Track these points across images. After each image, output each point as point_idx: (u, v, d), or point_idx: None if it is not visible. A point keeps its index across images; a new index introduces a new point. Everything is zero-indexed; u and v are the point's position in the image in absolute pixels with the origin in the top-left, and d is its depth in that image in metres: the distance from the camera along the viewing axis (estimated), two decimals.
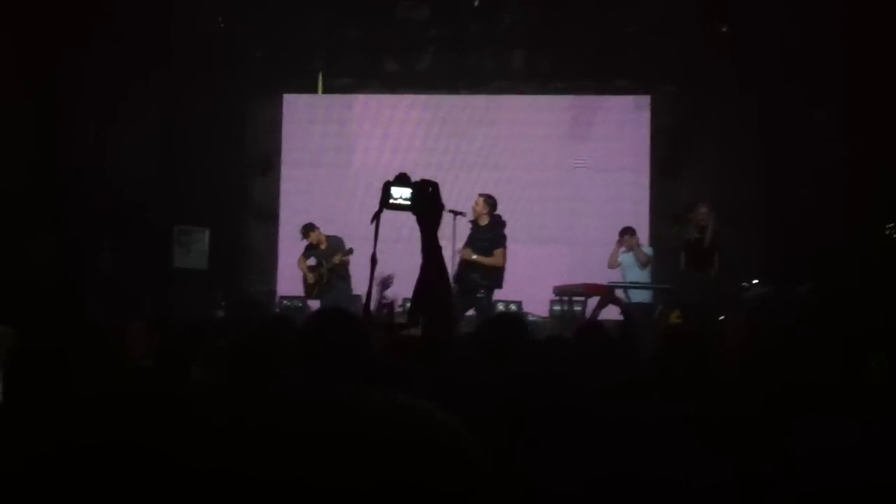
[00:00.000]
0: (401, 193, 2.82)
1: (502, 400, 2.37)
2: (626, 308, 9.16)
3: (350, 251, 9.99)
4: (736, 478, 2.23)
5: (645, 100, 11.53)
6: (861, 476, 2.21)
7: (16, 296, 6.30)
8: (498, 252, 8.60)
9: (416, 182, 2.84)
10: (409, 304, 2.92)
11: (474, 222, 8.72)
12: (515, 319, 3.88)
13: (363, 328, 2.33)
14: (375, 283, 4.12)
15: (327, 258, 10.11)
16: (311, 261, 10.30)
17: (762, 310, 8.02)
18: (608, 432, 2.32)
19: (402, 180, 2.84)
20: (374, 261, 2.99)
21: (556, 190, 11.62)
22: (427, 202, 2.78)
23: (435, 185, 2.81)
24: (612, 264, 9.76)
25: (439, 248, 2.74)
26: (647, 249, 9.82)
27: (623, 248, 9.69)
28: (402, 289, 6.31)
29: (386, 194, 2.83)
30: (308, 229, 10.26)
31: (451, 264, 8.72)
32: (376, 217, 2.90)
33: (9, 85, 8.67)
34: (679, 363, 2.98)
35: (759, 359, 2.93)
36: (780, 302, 8.20)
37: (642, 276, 9.61)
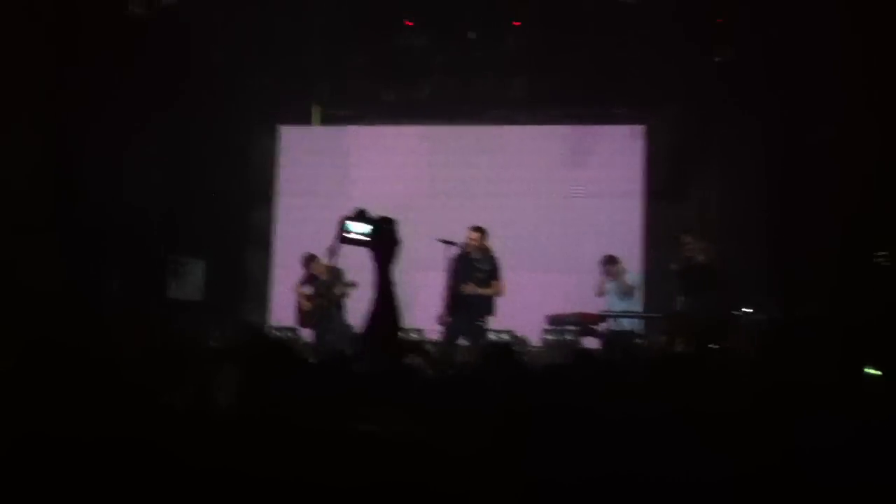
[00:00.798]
0: (357, 229, 2.83)
1: (504, 400, 2.39)
2: (609, 337, 9.16)
3: (354, 284, 9.93)
4: (735, 477, 2.24)
5: (639, 129, 11.60)
6: (861, 476, 2.22)
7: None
8: (497, 284, 8.80)
9: (374, 218, 2.85)
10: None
11: (467, 255, 8.76)
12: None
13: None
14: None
15: (327, 288, 10.12)
16: (306, 288, 10.29)
17: (762, 338, 8.05)
18: (608, 432, 2.33)
19: (359, 216, 2.85)
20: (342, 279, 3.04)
21: (552, 217, 11.66)
22: (383, 238, 2.79)
23: (391, 222, 2.82)
24: (600, 293, 9.81)
25: (392, 284, 2.76)
26: (631, 278, 9.82)
27: (608, 278, 9.75)
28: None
29: (342, 229, 2.83)
30: (310, 259, 10.27)
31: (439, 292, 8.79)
32: (332, 252, 2.94)
33: (14, 109, 8.75)
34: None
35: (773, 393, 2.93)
36: (778, 330, 8.22)
37: (624, 305, 9.62)
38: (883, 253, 8.30)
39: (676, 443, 2.35)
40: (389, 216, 2.87)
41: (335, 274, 10.12)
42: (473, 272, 8.72)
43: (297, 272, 10.51)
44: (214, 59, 10.76)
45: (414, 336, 9.37)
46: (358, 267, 9.75)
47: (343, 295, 10.03)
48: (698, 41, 10.09)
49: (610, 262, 9.79)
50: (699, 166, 10.87)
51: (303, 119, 12.11)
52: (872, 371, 4.54)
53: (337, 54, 11.17)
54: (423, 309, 8.89)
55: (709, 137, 10.68)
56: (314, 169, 12.18)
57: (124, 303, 9.76)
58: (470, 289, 8.65)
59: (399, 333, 2.82)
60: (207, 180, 11.08)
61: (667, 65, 10.36)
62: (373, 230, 2.83)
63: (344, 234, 2.85)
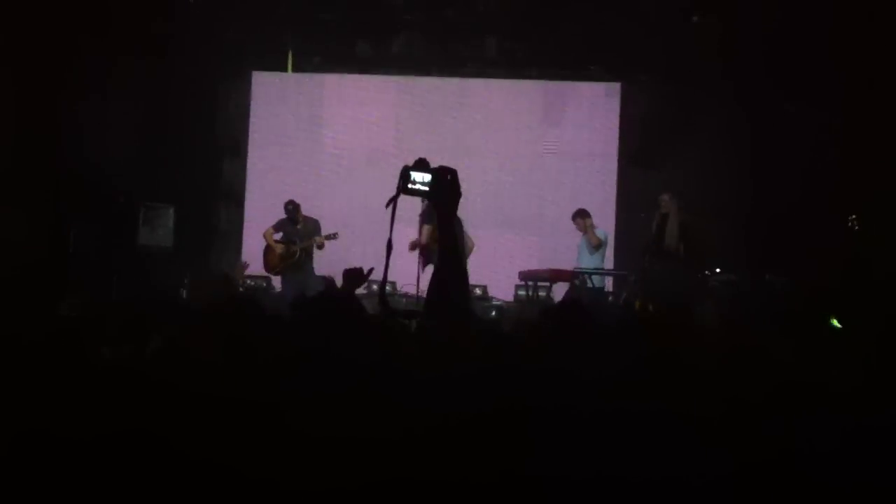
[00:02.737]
0: (420, 178, 2.75)
1: (501, 398, 2.37)
2: (578, 293, 9.19)
3: (335, 236, 9.92)
4: (733, 476, 2.24)
5: (615, 87, 11.57)
6: (860, 475, 2.23)
7: None
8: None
9: (436, 168, 2.77)
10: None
11: None
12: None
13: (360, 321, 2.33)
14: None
15: (302, 238, 10.07)
16: (278, 236, 10.24)
17: (732, 301, 8.10)
18: (605, 430, 2.32)
19: (421, 165, 2.77)
20: (389, 246, 2.94)
21: (526, 175, 11.64)
22: (446, 189, 2.72)
23: (454, 173, 2.74)
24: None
25: (455, 236, 2.68)
26: (600, 233, 9.84)
27: (579, 231, 9.78)
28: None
29: (405, 179, 2.75)
30: (296, 207, 10.20)
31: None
32: (393, 201, 2.84)
33: None
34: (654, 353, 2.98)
35: (741, 356, 2.93)
36: (748, 292, 8.28)
37: (594, 260, 9.64)
38: (853, 216, 8.37)
39: (662, 436, 2.35)
40: (451, 166, 2.78)
41: (311, 225, 10.10)
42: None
43: (268, 221, 10.44)
44: (187, 6, 10.58)
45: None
46: (321, 218, 10.10)
47: (320, 245, 9.99)
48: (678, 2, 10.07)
49: (579, 215, 9.80)
50: (675, 127, 10.86)
51: (276, 66, 11.95)
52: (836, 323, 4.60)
53: (312, 9, 11.03)
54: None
55: (685, 99, 10.65)
56: (286, 118, 12.05)
57: (94, 249, 9.69)
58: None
59: (466, 291, 2.73)
60: (179, 126, 10.93)
61: (645, 24, 10.31)
62: (434, 180, 2.73)
63: (407, 185, 2.75)
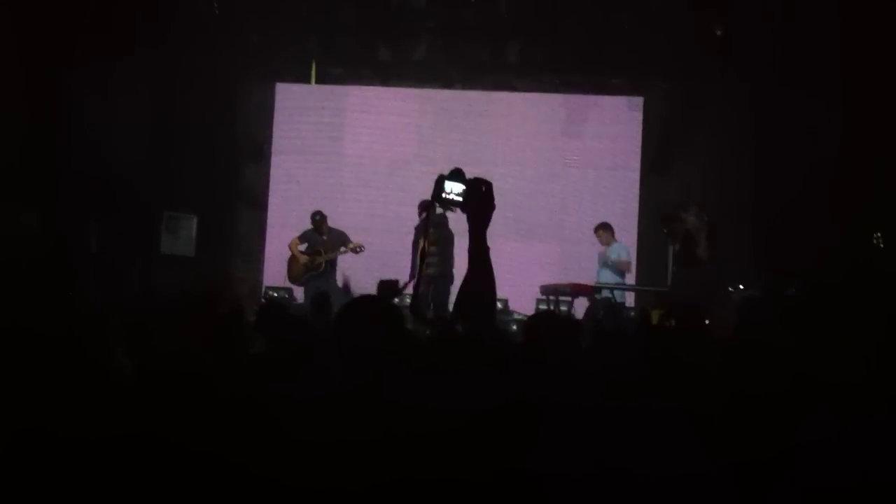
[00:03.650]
0: (453, 188, 2.72)
1: (507, 397, 2.36)
2: (598, 310, 9.11)
3: (362, 248, 9.96)
4: (733, 475, 2.22)
5: (638, 101, 11.53)
6: (859, 475, 2.21)
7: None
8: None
9: (471, 179, 2.73)
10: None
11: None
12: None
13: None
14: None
15: (327, 249, 10.08)
16: (303, 247, 10.25)
17: (751, 307, 8.01)
18: (606, 427, 2.30)
19: (456, 175, 2.74)
20: (423, 254, 2.95)
21: (547, 186, 11.61)
22: (479, 200, 2.69)
23: (489, 185, 2.72)
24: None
25: (487, 249, 2.67)
26: (622, 249, 9.76)
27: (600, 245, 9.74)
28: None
29: (439, 188, 2.72)
30: (322, 218, 10.22)
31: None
32: (426, 209, 2.84)
33: (3, 62, 8.64)
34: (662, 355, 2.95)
35: (744, 352, 2.89)
36: (769, 302, 8.19)
37: (611, 275, 9.55)
38: (878, 234, 8.29)
39: (668, 435, 2.33)
40: (486, 178, 2.75)
41: (335, 236, 10.10)
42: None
43: (291, 231, 10.46)
44: (213, 13, 10.63)
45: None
46: (342, 226, 10.10)
47: (344, 254, 10.00)
48: (700, 13, 10.01)
49: (602, 228, 9.76)
50: (696, 140, 10.80)
51: (300, 77, 11.99)
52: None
53: (335, 13, 11.05)
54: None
55: (707, 111, 10.59)
56: (309, 127, 12.08)
57: (115, 257, 9.74)
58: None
59: (495, 302, 2.70)
60: (203, 136, 10.97)
61: (667, 36, 10.28)
62: (468, 190, 2.70)
63: (442, 195, 2.72)
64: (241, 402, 2.19)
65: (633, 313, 9.34)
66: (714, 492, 2.17)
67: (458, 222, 2.72)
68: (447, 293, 8.64)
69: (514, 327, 8.90)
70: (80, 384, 2.31)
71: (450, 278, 8.81)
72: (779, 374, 2.57)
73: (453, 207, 2.77)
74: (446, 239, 8.72)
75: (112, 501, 2.00)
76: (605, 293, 9.35)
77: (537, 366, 2.76)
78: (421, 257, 8.60)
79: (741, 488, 2.19)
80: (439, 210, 2.91)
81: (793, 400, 2.42)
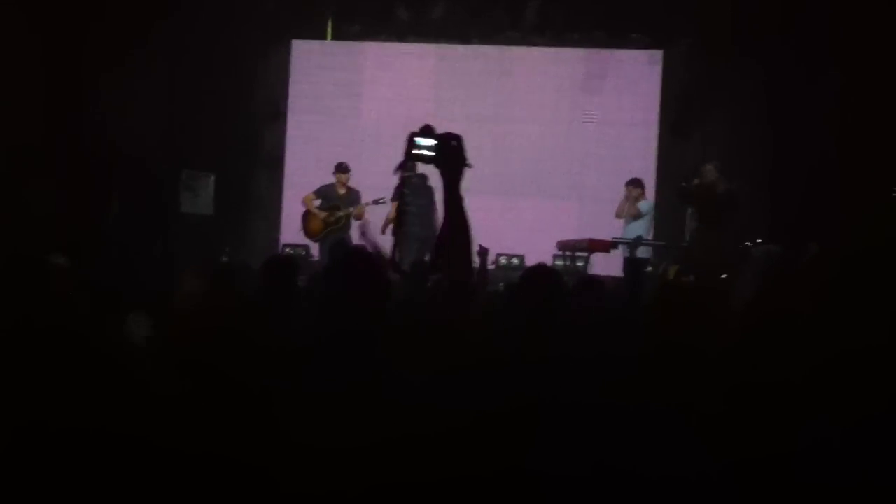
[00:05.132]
0: (424, 144, 2.79)
1: (509, 394, 2.37)
2: (629, 263, 9.11)
3: (382, 200, 9.84)
4: (733, 475, 2.22)
5: (658, 54, 11.41)
6: (860, 475, 2.20)
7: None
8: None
9: (441, 134, 2.80)
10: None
11: None
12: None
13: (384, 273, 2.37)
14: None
15: (344, 205, 10.08)
16: (318, 202, 10.26)
17: (771, 263, 7.98)
18: (606, 427, 2.31)
19: (426, 132, 2.81)
20: (399, 215, 3.01)
21: (565, 144, 11.55)
22: (450, 156, 2.75)
23: (459, 139, 2.78)
24: (618, 214, 9.82)
25: (461, 199, 2.72)
26: (643, 205, 9.79)
27: (628, 201, 9.73)
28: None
29: (410, 144, 2.80)
30: (343, 168, 10.18)
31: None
32: (401, 167, 2.88)
33: (17, 31, 8.65)
34: (675, 324, 2.94)
35: (777, 323, 2.85)
36: (790, 258, 8.15)
37: (637, 229, 9.58)
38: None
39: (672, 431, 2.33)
40: (456, 133, 2.82)
41: (353, 194, 10.08)
42: None
43: (307, 188, 10.47)
44: None
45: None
46: (359, 186, 10.10)
47: (356, 215, 9.98)
48: None
49: (631, 184, 9.78)
50: (716, 95, 10.71)
51: (315, 34, 11.94)
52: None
53: None
54: None
55: (726, 70, 10.49)
56: (325, 85, 12.04)
57: (133, 218, 9.79)
58: None
59: (471, 255, 2.76)
60: (219, 93, 10.96)
61: None
62: (439, 145, 2.78)
63: (412, 151, 2.80)
64: (245, 398, 2.20)
65: (650, 268, 9.33)
66: (714, 492, 2.18)
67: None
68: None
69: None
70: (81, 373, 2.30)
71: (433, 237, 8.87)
72: (797, 357, 2.55)
73: (426, 162, 2.85)
74: (427, 198, 8.90)
75: (110, 500, 2.01)
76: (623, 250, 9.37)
77: (535, 363, 2.78)
78: (397, 219, 8.71)
79: (741, 488, 2.19)
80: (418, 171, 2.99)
81: (802, 394, 2.41)
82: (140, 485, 2.01)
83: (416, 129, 2.81)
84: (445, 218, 2.71)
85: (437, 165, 2.77)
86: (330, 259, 6.69)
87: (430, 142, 2.77)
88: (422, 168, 8.56)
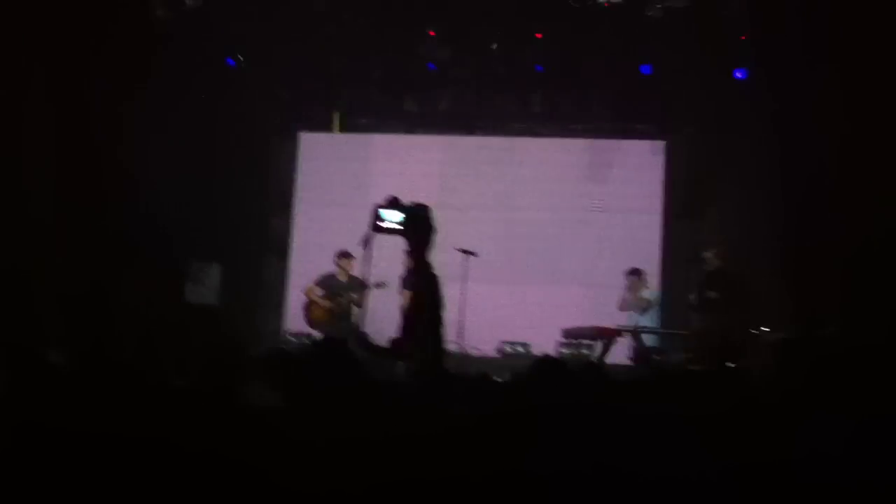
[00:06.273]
0: (391, 217, 2.80)
1: (509, 399, 2.35)
2: (641, 351, 9.06)
3: (384, 284, 9.50)
4: (735, 477, 2.20)
5: (660, 145, 11.53)
6: (860, 476, 2.18)
7: None
8: None
9: (409, 206, 2.81)
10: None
11: None
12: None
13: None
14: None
15: (346, 292, 10.05)
16: (318, 290, 10.22)
17: (789, 350, 7.92)
18: (612, 429, 2.30)
19: (393, 204, 2.83)
20: (363, 285, 3.00)
21: (570, 231, 11.59)
22: (418, 226, 2.77)
23: (426, 209, 2.79)
24: (622, 307, 9.78)
25: (431, 270, 2.72)
26: (649, 294, 9.79)
27: (630, 291, 9.73)
28: None
29: (374, 217, 2.81)
30: (347, 255, 10.06)
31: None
32: (366, 242, 2.89)
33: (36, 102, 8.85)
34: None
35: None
36: (808, 344, 8.09)
37: (647, 319, 9.57)
38: None
39: (677, 442, 2.32)
40: (423, 203, 2.84)
41: (355, 282, 10.03)
42: None
43: (313, 277, 10.47)
44: (237, 64, 10.81)
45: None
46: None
47: (359, 299, 9.92)
48: (721, 58, 10.07)
49: (632, 273, 9.77)
50: (720, 184, 10.79)
51: (324, 126, 12.11)
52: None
53: (359, 62, 11.19)
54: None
55: (730, 155, 10.60)
56: (334, 177, 12.15)
57: (141, 305, 9.79)
58: None
59: (441, 326, 2.76)
60: (227, 185, 11.08)
61: (689, 81, 10.33)
62: (406, 218, 2.80)
63: (377, 223, 2.82)
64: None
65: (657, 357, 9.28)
66: (714, 492, 2.16)
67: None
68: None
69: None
70: None
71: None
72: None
73: (393, 234, 2.85)
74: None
75: (112, 500, 2.01)
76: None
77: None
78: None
79: (742, 489, 2.17)
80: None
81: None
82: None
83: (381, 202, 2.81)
84: (413, 286, 2.69)
85: (406, 237, 2.78)
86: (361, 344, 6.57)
87: (398, 214, 2.78)
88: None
